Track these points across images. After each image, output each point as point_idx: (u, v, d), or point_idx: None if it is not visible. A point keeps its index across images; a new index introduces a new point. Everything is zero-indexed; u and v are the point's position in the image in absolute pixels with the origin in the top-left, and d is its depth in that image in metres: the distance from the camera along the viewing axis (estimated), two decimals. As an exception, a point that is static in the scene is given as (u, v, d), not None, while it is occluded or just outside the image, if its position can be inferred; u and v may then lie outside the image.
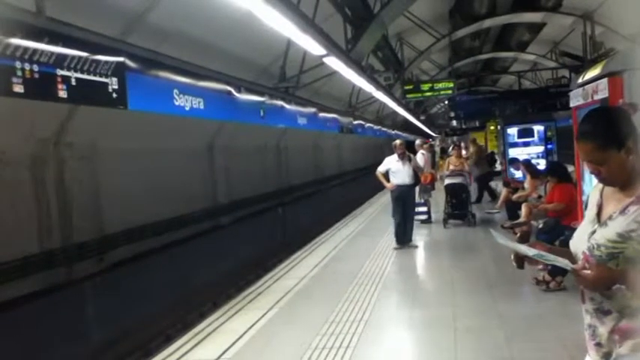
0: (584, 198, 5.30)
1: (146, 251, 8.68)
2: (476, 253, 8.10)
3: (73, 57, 4.79)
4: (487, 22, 16.36)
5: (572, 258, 1.94)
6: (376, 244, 9.22)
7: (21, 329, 6.20)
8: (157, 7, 7.18)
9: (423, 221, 10.86)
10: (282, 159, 15.78)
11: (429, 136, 37.91)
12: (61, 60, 4.64)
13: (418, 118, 28.11)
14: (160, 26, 7.49)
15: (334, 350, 4.57)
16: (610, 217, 1.84)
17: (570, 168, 7.61)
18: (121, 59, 5.50)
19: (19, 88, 4.23)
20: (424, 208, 11.00)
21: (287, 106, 11.39)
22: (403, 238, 8.72)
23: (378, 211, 13.53)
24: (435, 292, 6.58)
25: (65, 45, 4.70)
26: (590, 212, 1.96)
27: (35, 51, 4.36)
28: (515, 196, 9.37)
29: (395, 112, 23.42)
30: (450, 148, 17.68)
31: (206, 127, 10.21)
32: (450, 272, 7.31)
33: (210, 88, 7.76)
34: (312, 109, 13.61)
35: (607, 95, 4.85)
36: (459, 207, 10.48)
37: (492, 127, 21.26)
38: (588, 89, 5.42)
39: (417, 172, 9.03)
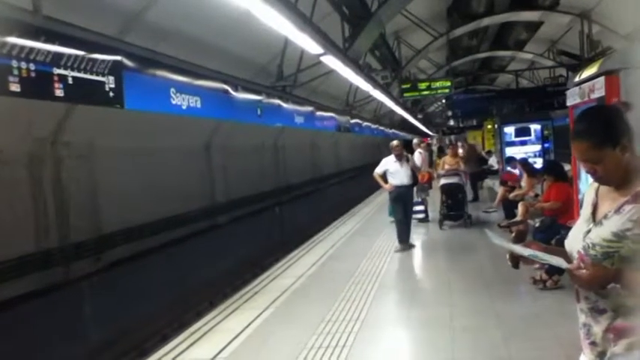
0: (580, 197, 5.30)
1: (144, 250, 8.67)
2: (473, 253, 8.10)
3: (70, 56, 4.77)
4: (485, 21, 16.39)
5: (567, 257, 1.94)
6: (373, 243, 9.22)
7: (17, 329, 6.18)
8: (154, 6, 7.17)
9: (420, 220, 10.87)
10: (280, 158, 15.77)
11: (426, 134, 37.92)
12: (57, 59, 4.63)
13: (416, 117, 28.12)
14: (157, 25, 7.48)
15: (330, 349, 4.57)
16: (605, 216, 1.85)
17: (567, 167, 7.62)
18: (117, 58, 5.49)
19: (15, 87, 4.22)
20: (421, 207, 11.01)
21: (284, 105, 11.37)
22: (406, 239, 8.61)
23: (375, 211, 13.55)
24: (431, 292, 6.59)
25: (62, 44, 4.69)
26: (585, 211, 1.96)
27: (32, 50, 4.35)
28: (511, 195, 9.38)
29: (392, 111, 23.43)
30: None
31: (203, 125, 10.19)
32: (446, 271, 7.32)
33: (207, 86, 7.75)
34: (310, 108, 13.60)
35: (603, 94, 4.86)
36: (454, 207, 10.33)
37: (489, 126, 21.30)
38: (585, 88, 5.42)
39: (414, 171, 8.99)
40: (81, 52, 4.91)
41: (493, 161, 18.50)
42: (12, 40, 4.16)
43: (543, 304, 5.48)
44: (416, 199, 10.48)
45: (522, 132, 15.39)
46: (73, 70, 4.80)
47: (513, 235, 7.54)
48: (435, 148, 23.79)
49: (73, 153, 7.38)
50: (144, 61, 6.12)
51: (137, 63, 5.90)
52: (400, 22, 14.80)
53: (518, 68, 22.95)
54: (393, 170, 8.62)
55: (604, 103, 4.68)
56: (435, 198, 12.01)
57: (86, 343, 7.23)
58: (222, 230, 11.39)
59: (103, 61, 5.22)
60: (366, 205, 15.26)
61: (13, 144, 6.52)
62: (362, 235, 10.29)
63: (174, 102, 6.73)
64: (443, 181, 10.56)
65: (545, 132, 15.04)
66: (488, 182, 16.97)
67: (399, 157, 8.64)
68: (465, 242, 9.09)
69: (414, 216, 10.14)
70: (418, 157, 11.36)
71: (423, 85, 17.04)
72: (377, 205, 14.15)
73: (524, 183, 9.49)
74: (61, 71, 4.68)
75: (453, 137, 30.54)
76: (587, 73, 5.48)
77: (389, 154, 8.83)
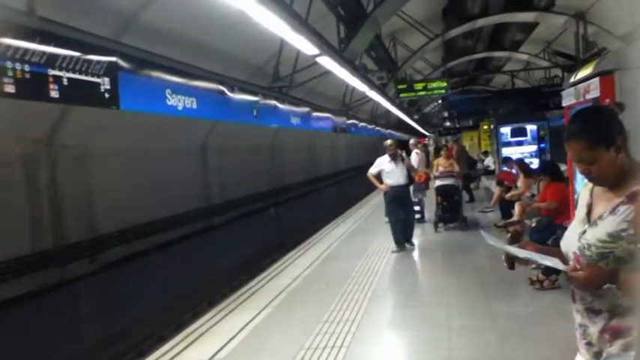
0: (576, 197, 5.32)
1: (140, 251, 8.65)
2: (469, 253, 8.10)
3: (65, 57, 4.77)
4: (480, 22, 16.39)
5: (563, 257, 1.94)
6: (370, 243, 9.22)
7: (15, 330, 6.16)
8: (150, 7, 7.15)
9: (416, 220, 10.84)
10: (276, 158, 15.76)
11: (423, 135, 37.95)
12: (52, 60, 4.63)
13: (412, 118, 28.15)
14: (153, 26, 7.47)
15: (328, 350, 4.57)
16: (600, 217, 1.85)
17: (563, 167, 7.63)
18: (113, 59, 5.49)
19: (10, 89, 4.21)
20: (417, 208, 11.00)
21: (280, 106, 11.37)
22: (402, 240, 8.50)
23: (371, 211, 13.55)
24: (428, 292, 6.60)
25: (57, 45, 4.68)
26: (580, 212, 1.97)
27: (26, 51, 4.34)
28: (508, 195, 9.41)
29: (389, 112, 23.44)
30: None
31: (199, 126, 10.17)
32: (443, 272, 7.33)
33: (203, 87, 7.74)
34: (306, 109, 13.60)
35: (598, 95, 4.87)
36: (450, 209, 10.13)
37: (486, 127, 21.34)
38: (580, 89, 5.44)
39: (410, 171, 8.90)
40: (76, 53, 4.91)
41: (490, 161, 18.57)
42: (6, 41, 4.15)
43: (540, 303, 5.48)
44: (413, 199, 10.44)
45: (518, 132, 15.44)
46: (68, 71, 4.80)
47: (509, 235, 7.54)
48: (431, 149, 23.83)
49: (69, 154, 7.36)
50: (139, 61, 6.11)
51: (133, 64, 5.89)
52: (396, 23, 14.80)
53: (514, 69, 23.00)
54: (388, 170, 8.52)
55: (599, 103, 4.70)
56: (431, 198, 12.01)
57: (81, 344, 7.21)
58: (219, 231, 11.38)
59: (98, 62, 5.21)
60: (362, 206, 15.27)
61: (8, 145, 6.50)
62: (359, 236, 10.29)
63: (170, 103, 6.73)
64: (438, 182, 10.39)
65: (542, 132, 15.10)
66: (484, 182, 17.02)
67: (394, 157, 8.52)
68: (462, 243, 9.09)
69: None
70: (415, 157, 11.34)
71: (419, 86, 17.05)
72: (374, 206, 14.15)
73: (520, 183, 9.51)
74: (56, 72, 4.67)
75: (448, 138, 30.54)
76: (582, 73, 5.50)
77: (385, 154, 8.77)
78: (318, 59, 8.21)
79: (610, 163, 1.81)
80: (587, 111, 2.11)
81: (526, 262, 1.96)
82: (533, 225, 7.08)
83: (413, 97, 18.56)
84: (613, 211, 1.80)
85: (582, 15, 14.14)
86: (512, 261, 2.00)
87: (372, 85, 12.90)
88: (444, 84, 17.07)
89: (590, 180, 1.92)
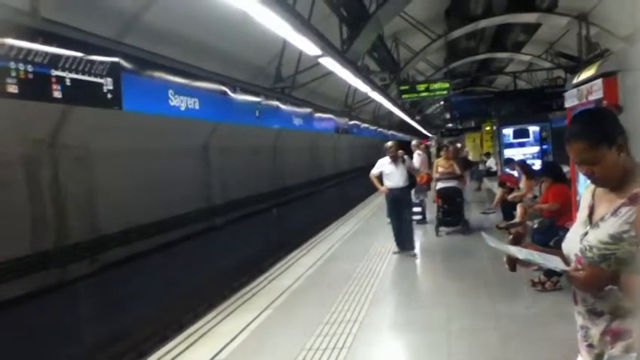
0: (578, 198, 5.31)
1: (141, 252, 8.66)
2: (471, 254, 8.08)
3: (68, 57, 4.77)
4: (482, 23, 16.40)
5: (565, 259, 1.94)
6: (371, 244, 9.21)
7: (13, 330, 6.17)
8: (152, 7, 7.16)
9: (417, 221, 10.84)
10: (278, 159, 15.76)
11: (425, 136, 37.92)
12: (55, 60, 4.63)
13: (414, 119, 28.14)
14: (156, 26, 7.48)
15: (329, 351, 4.57)
16: (602, 219, 1.85)
17: (565, 168, 7.62)
18: (115, 59, 5.49)
19: (13, 89, 4.21)
20: (419, 209, 10.99)
21: (283, 107, 11.36)
22: (403, 243, 8.46)
23: (373, 212, 13.54)
24: (429, 293, 6.59)
25: (60, 45, 4.69)
26: (582, 214, 1.96)
27: (30, 51, 4.35)
28: (510, 197, 9.39)
29: (391, 113, 23.45)
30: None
31: (201, 127, 10.18)
32: (444, 273, 7.32)
33: (205, 88, 7.74)
34: (308, 110, 13.60)
35: (601, 96, 4.86)
36: (452, 213, 9.85)
37: (488, 128, 21.32)
38: (583, 90, 5.43)
39: (412, 173, 8.86)
40: (79, 54, 4.91)
41: (492, 163, 18.56)
42: (10, 41, 4.16)
43: (542, 305, 5.47)
44: (414, 200, 10.43)
45: (521, 134, 15.43)
46: (71, 71, 4.80)
47: (511, 237, 7.53)
48: (433, 150, 23.79)
49: (71, 154, 7.37)
50: (142, 62, 6.11)
51: (135, 64, 5.90)
52: (398, 24, 14.82)
53: (517, 70, 22.98)
54: (388, 172, 8.45)
55: (601, 105, 4.69)
56: (433, 199, 12.00)
57: (80, 344, 7.21)
58: (220, 232, 11.38)
59: (101, 62, 5.21)
60: (364, 207, 15.26)
61: (10, 146, 6.51)
62: (360, 237, 10.28)
63: (172, 103, 6.73)
64: (440, 185, 10.19)
65: (544, 134, 15.09)
66: (486, 183, 17.01)
67: (394, 159, 8.43)
68: (463, 244, 9.07)
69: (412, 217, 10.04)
70: (417, 158, 11.33)
71: (421, 87, 17.06)
72: (375, 207, 14.14)
73: (522, 184, 9.50)
74: (59, 73, 4.68)
75: (451, 139, 30.51)
76: (585, 75, 5.49)
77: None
78: (320, 60, 8.21)
79: (613, 162, 1.81)
80: (587, 112, 2.12)
81: (527, 263, 1.95)
82: (535, 226, 7.06)
83: (415, 98, 18.58)
84: (615, 213, 1.80)
85: (585, 16, 14.15)
86: (513, 263, 1.99)
87: (374, 86, 12.91)
88: (447, 85, 17.07)
89: (592, 181, 1.92)
